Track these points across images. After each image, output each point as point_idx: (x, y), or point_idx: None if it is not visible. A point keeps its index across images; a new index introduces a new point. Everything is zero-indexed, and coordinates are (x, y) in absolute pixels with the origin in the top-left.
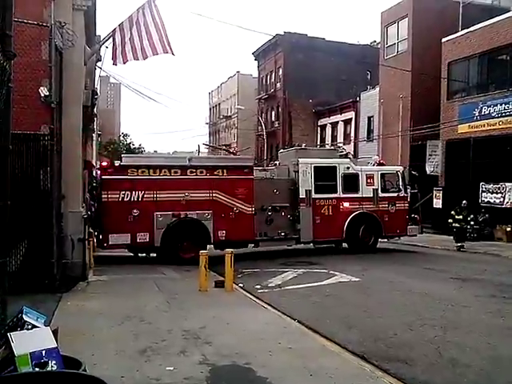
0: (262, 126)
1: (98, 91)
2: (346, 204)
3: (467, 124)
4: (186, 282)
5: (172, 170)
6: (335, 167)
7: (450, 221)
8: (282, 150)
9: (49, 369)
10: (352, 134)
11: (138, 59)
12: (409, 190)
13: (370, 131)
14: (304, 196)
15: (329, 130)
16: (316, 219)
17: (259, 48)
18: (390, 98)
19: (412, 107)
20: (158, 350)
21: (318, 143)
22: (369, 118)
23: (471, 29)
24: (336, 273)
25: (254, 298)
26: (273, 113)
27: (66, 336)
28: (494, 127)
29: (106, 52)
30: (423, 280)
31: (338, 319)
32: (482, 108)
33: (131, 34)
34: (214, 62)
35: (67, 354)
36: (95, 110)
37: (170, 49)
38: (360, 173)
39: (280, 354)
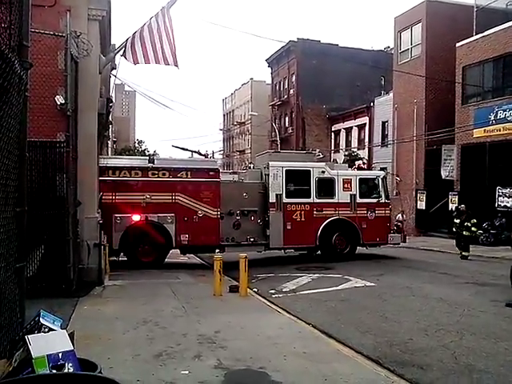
0: (275, 131)
1: (113, 99)
2: (320, 210)
3: (482, 128)
4: (200, 287)
5: (132, 172)
6: (309, 171)
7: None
8: (257, 154)
9: (65, 371)
10: (366, 140)
11: (149, 63)
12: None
13: (384, 136)
14: (274, 200)
15: (343, 135)
16: (287, 224)
17: (272, 55)
18: (404, 102)
19: (426, 112)
20: (173, 354)
21: (332, 148)
22: (383, 123)
23: (485, 33)
24: (351, 278)
25: (269, 303)
26: (286, 119)
27: (82, 339)
28: (511, 131)
29: (120, 60)
30: (439, 285)
31: (352, 324)
32: (497, 112)
33: (143, 38)
34: (227, 69)
35: (83, 357)
36: (110, 117)
37: (176, 62)
38: (336, 177)
39: (294, 358)
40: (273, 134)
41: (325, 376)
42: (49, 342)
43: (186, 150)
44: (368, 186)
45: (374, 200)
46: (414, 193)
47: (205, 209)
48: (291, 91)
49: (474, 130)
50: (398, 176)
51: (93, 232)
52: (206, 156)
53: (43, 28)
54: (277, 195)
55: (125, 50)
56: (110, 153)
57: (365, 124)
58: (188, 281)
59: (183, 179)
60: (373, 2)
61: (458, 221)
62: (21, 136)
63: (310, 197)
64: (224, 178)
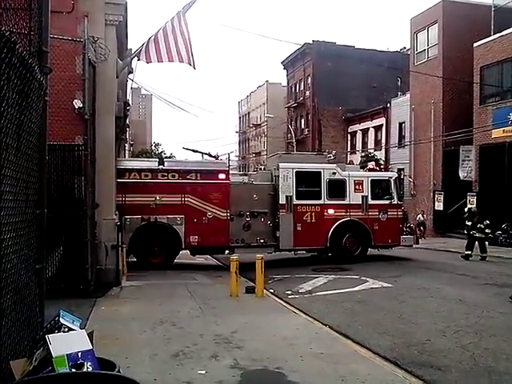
0: (291, 133)
1: (130, 102)
2: (331, 211)
3: (501, 128)
4: (217, 288)
5: (142, 174)
6: (319, 172)
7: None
8: (269, 156)
9: (84, 370)
10: (383, 141)
11: (162, 61)
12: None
13: (401, 137)
14: (284, 202)
15: (359, 136)
16: (297, 226)
17: (288, 57)
18: (422, 103)
19: (444, 112)
20: (190, 354)
21: (349, 150)
22: (400, 124)
23: (503, 33)
24: (368, 279)
25: (285, 304)
26: (302, 120)
27: (100, 339)
28: None
29: (137, 64)
30: (457, 286)
31: (369, 325)
32: None
33: (157, 38)
34: (243, 71)
35: (102, 356)
36: (127, 120)
37: (193, 63)
38: (347, 179)
39: (311, 359)
40: (289, 135)
41: (342, 377)
42: (68, 341)
43: (197, 151)
44: (380, 188)
45: (386, 201)
46: (431, 194)
47: (214, 210)
48: (307, 93)
49: (493, 131)
50: (410, 177)
51: (110, 234)
52: (216, 158)
53: (61, 34)
54: (287, 197)
55: (139, 53)
56: (127, 156)
57: (381, 125)
58: (205, 282)
59: (192, 181)
60: (388, 4)
61: (469, 223)
62: (40, 140)
63: (320, 198)
64: (234, 180)
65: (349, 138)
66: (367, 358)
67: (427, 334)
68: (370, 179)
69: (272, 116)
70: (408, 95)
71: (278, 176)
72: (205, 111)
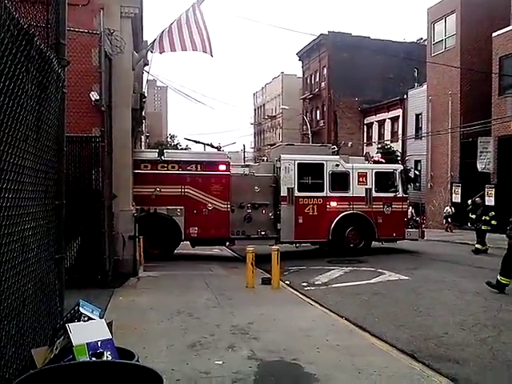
0: (307, 125)
1: (146, 94)
2: (334, 203)
3: None
4: (233, 279)
5: (142, 165)
6: (322, 164)
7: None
8: (272, 147)
9: (104, 359)
10: (399, 132)
11: (175, 50)
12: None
13: (418, 129)
14: (286, 194)
15: (375, 128)
16: (298, 218)
17: (303, 48)
18: (439, 94)
19: (462, 104)
20: (207, 345)
21: (365, 141)
22: (417, 116)
23: None
24: (384, 271)
25: (301, 295)
26: (318, 112)
27: (118, 329)
28: None
29: (152, 56)
30: (475, 279)
31: (386, 317)
32: None
33: (171, 28)
34: (258, 63)
35: (121, 346)
36: (143, 112)
37: (210, 50)
38: (351, 171)
39: (328, 350)
40: (304, 127)
41: (359, 369)
42: (88, 330)
43: (198, 142)
44: (384, 180)
45: (391, 194)
46: (448, 186)
47: (214, 202)
48: (322, 84)
49: None
50: (416, 170)
51: (128, 224)
52: (218, 148)
53: (77, 26)
54: (288, 189)
55: (152, 44)
56: (143, 147)
57: (398, 116)
58: (221, 273)
59: (192, 172)
60: None
61: (474, 216)
62: (59, 131)
63: (323, 190)
64: (235, 171)
65: (365, 129)
66: (384, 351)
67: (445, 327)
68: (374, 171)
69: (287, 107)
70: (425, 86)
71: (280, 168)
72: (220, 103)
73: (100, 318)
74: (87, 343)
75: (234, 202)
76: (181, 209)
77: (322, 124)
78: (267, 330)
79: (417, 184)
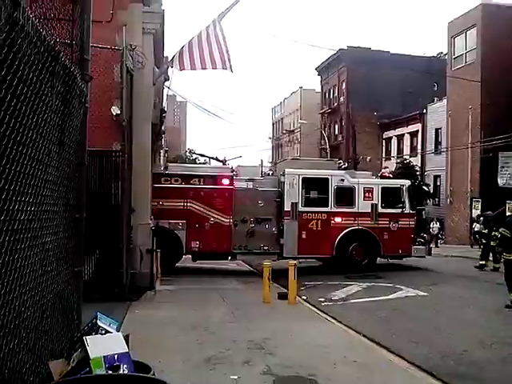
0: (325, 139)
1: (166, 109)
2: (339, 219)
3: None
4: (249, 294)
5: None
6: (327, 179)
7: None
8: (278, 161)
9: (120, 372)
10: (419, 147)
11: (195, 69)
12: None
13: (437, 143)
14: (289, 209)
15: (394, 142)
16: (302, 234)
17: (322, 63)
18: (459, 109)
19: (482, 118)
20: (223, 360)
21: (383, 156)
22: (436, 130)
23: None
24: (402, 287)
25: (318, 311)
26: (336, 126)
27: (134, 342)
28: None
29: (173, 72)
30: (496, 296)
31: (404, 334)
32: None
33: (191, 44)
34: (277, 77)
35: (137, 359)
36: (163, 127)
37: (230, 66)
38: (356, 186)
39: (345, 367)
40: (322, 142)
41: None
42: (105, 343)
43: (204, 155)
44: (391, 196)
45: (398, 210)
46: (468, 201)
47: (217, 216)
48: (341, 99)
49: None
50: (424, 185)
51: (145, 238)
52: (223, 162)
53: (100, 42)
54: (292, 203)
55: (172, 60)
56: (162, 162)
57: (417, 131)
58: (237, 287)
59: (196, 186)
60: (425, 8)
61: (486, 231)
62: (81, 146)
63: (327, 206)
64: (238, 185)
65: (383, 144)
66: (402, 368)
67: (464, 345)
68: (380, 187)
69: (306, 122)
70: (445, 101)
71: (284, 182)
72: (239, 117)
73: (117, 331)
74: (104, 356)
75: (236, 217)
76: (183, 223)
77: (340, 139)
78: (283, 346)
79: (436, 199)
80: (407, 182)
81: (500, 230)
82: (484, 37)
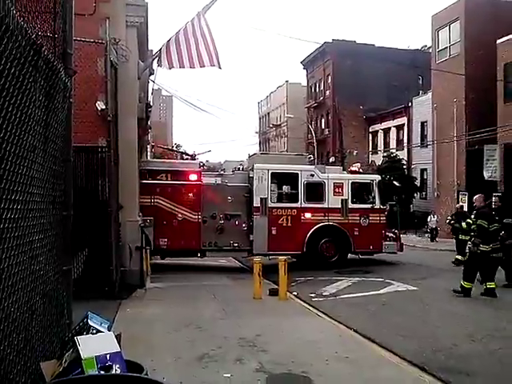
0: (311, 133)
1: (151, 104)
2: (309, 215)
3: None
4: (240, 290)
5: None
6: (296, 174)
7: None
8: (249, 156)
9: (113, 372)
10: (405, 140)
11: (183, 67)
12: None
13: (423, 137)
14: (259, 204)
15: (381, 136)
16: (272, 230)
17: (307, 56)
18: (444, 102)
19: (467, 111)
20: (215, 357)
21: (370, 149)
22: (422, 124)
23: None
24: (393, 282)
25: (309, 307)
26: (323, 120)
27: (125, 341)
28: None
29: (157, 66)
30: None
31: (395, 329)
32: None
33: (178, 41)
34: (262, 72)
35: (129, 359)
36: (149, 122)
37: (218, 62)
38: (326, 181)
39: (337, 363)
40: (309, 135)
41: (368, 381)
42: (97, 343)
43: (171, 150)
44: (361, 191)
45: (368, 206)
46: (455, 194)
47: (185, 212)
48: (327, 93)
49: None
50: (395, 181)
51: (134, 235)
52: (193, 157)
53: (83, 36)
54: (261, 199)
55: (160, 58)
56: (149, 157)
57: (403, 124)
58: (228, 284)
59: (163, 182)
60: (409, 1)
61: (464, 224)
62: (66, 141)
63: (297, 201)
64: (207, 181)
65: (370, 137)
66: (393, 363)
67: (454, 339)
68: (350, 182)
69: (292, 116)
70: (430, 94)
71: (253, 177)
72: (226, 112)
73: (108, 330)
74: (96, 356)
75: (205, 213)
76: (150, 219)
77: (326, 132)
78: (275, 342)
79: (423, 192)
80: (377, 177)
81: (478, 222)
82: (467, 30)
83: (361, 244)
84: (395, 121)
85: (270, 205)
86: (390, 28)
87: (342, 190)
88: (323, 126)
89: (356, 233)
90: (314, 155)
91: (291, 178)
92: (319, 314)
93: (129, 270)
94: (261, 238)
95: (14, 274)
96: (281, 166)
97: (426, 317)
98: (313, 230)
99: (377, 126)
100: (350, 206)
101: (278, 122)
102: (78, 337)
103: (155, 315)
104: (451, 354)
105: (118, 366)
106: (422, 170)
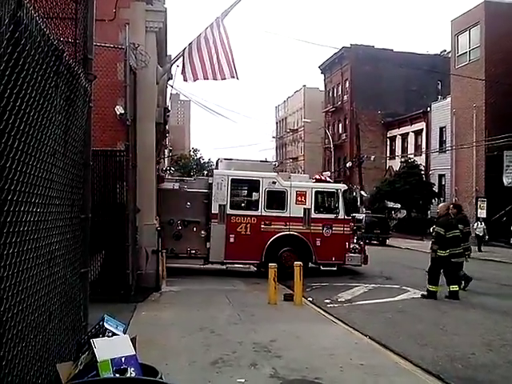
0: (328, 138)
1: (169, 108)
2: (269, 223)
3: None
4: (255, 295)
5: None
6: (257, 181)
7: None
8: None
9: (128, 375)
10: (423, 146)
11: (207, 79)
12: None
13: (442, 142)
14: (217, 211)
15: (398, 141)
16: (230, 238)
17: (326, 61)
18: (463, 107)
19: (487, 116)
20: (229, 362)
21: (388, 155)
22: (441, 129)
23: None
24: (409, 288)
25: (324, 313)
26: (340, 125)
27: (140, 345)
28: None
29: (176, 70)
30: (502, 297)
31: (411, 336)
32: None
33: (201, 51)
34: (280, 76)
35: (145, 362)
36: (167, 126)
37: (236, 73)
38: (289, 189)
39: (351, 370)
40: (326, 140)
41: None
42: (112, 346)
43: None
44: (325, 200)
45: (332, 215)
46: (474, 200)
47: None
48: (345, 97)
49: None
50: (362, 190)
51: (151, 238)
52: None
53: (103, 41)
54: (220, 206)
55: (184, 71)
56: (166, 161)
57: (421, 130)
58: (242, 288)
59: None
60: (428, 6)
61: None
62: (85, 145)
63: (257, 209)
64: (165, 186)
65: (388, 142)
66: (409, 371)
67: (471, 347)
68: (314, 191)
69: (309, 121)
70: (449, 99)
71: (212, 183)
72: (243, 117)
73: (124, 333)
74: (111, 359)
75: (162, 218)
76: None
77: (344, 137)
78: (290, 348)
79: (441, 198)
80: (342, 187)
81: (436, 229)
82: (488, 34)
83: (323, 255)
84: (413, 126)
85: (229, 212)
86: (409, 33)
87: (305, 199)
88: (340, 131)
89: (318, 243)
90: (331, 160)
91: (252, 185)
92: (334, 320)
93: (145, 274)
94: (218, 246)
95: (33, 276)
96: (241, 172)
97: (442, 324)
98: (273, 238)
99: (395, 131)
100: (313, 215)
101: (295, 127)
102: (94, 339)
103: (170, 319)
104: (469, 363)
105: (133, 369)
106: (440, 176)
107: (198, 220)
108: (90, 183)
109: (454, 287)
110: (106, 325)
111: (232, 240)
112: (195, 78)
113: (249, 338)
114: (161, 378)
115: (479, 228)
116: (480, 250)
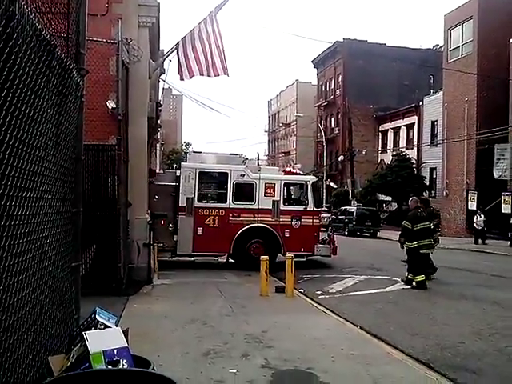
0: (321, 132)
1: (162, 103)
2: (237, 215)
3: None
4: (247, 287)
5: None
6: (226, 174)
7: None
8: (187, 154)
9: (120, 367)
10: (415, 139)
11: (203, 75)
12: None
13: (433, 136)
14: (184, 204)
15: (390, 135)
16: (197, 230)
17: (318, 56)
18: (455, 101)
19: (478, 110)
20: (221, 353)
21: (380, 148)
22: (432, 123)
23: None
24: (399, 279)
25: (315, 304)
26: (332, 119)
27: (132, 337)
28: None
29: (169, 65)
30: (492, 288)
31: (401, 326)
32: None
33: (195, 48)
34: (273, 70)
35: (137, 354)
36: (159, 120)
37: (227, 70)
38: (257, 181)
39: (343, 360)
40: (318, 134)
41: (374, 378)
42: (104, 338)
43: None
44: (294, 192)
45: (301, 207)
46: (464, 193)
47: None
48: (337, 92)
49: None
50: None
51: (142, 232)
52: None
53: (96, 36)
54: (188, 198)
55: (180, 70)
56: (158, 155)
57: (413, 123)
58: (234, 281)
59: None
60: (421, 1)
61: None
62: (77, 140)
63: (225, 201)
64: None
65: (380, 136)
66: (400, 360)
67: (461, 336)
68: (282, 183)
69: (302, 115)
70: (441, 93)
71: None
72: (235, 111)
73: (116, 325)
74: (103, 351)
75: None
76: None
77: (336, 131)
78: (281, 339)
79: (432, 191)
80: (312, 179)
81: (403, 223)
82: (480, 29)
83: (291, 246)
84: (405, 120)
85: (197, 204)
86: (402, 27)
87: (274, 191)
88: (333, 125)
89: (287, 234)
90: (323, 154)
91: (220, 178)
92: (326, 311)
93: (136, 267)
94: (185, 239)
95: (24, 270)
96: (209, 165)
97: (432, 315)
98: (241, 230)
99: (387, 125)
100: (282, 207)
101: (288, 121)
102: (86, 332)
103: (162, 311)
104: (458, 351)
105: (125, 360)
106: (432, 169)
107: (166, 213)
108: (82, 177)
109: (420, 277)
110: (97, 317)
111: (200, 233)
112: (191, 75)
113: (241, 330)
114: (153, 369)
115: (479, 221)
116: (484, 243)
